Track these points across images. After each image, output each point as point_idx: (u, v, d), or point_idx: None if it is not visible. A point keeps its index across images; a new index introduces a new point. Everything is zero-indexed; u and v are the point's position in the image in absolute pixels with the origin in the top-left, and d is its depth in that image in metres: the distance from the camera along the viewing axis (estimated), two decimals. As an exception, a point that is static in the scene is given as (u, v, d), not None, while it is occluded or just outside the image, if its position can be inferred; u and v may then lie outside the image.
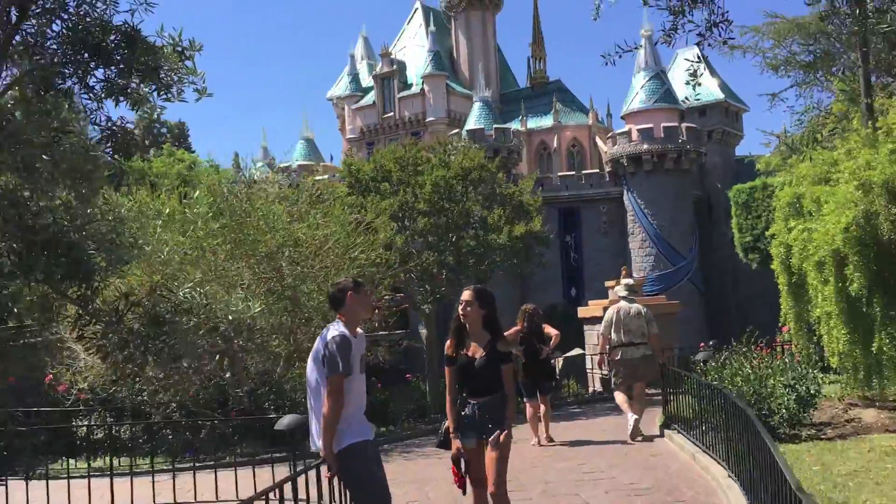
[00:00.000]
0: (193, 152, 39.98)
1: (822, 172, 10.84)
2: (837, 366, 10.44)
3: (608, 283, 18.71)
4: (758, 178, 20.45)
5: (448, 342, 5.14)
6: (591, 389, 17.92)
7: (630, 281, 11.54)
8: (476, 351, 5.02)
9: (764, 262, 19.28)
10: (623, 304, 10.09)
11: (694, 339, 39.38)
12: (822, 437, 8.94)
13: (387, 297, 15.89)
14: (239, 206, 13.22)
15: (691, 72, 6.23)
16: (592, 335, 18.50)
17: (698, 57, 6.44)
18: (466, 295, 5.03)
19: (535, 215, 16.99)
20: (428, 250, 15.99)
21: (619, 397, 10.25)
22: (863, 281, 9.50)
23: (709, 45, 6.17)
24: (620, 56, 6.53)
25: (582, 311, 18.80)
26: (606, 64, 6.38)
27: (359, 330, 4.78)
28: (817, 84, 23.00)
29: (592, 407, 15.71)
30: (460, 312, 5.00)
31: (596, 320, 18.07)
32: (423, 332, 17.16)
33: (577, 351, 19.63)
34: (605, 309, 17.72)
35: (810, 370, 10.04)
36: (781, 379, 9.78)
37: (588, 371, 18.65)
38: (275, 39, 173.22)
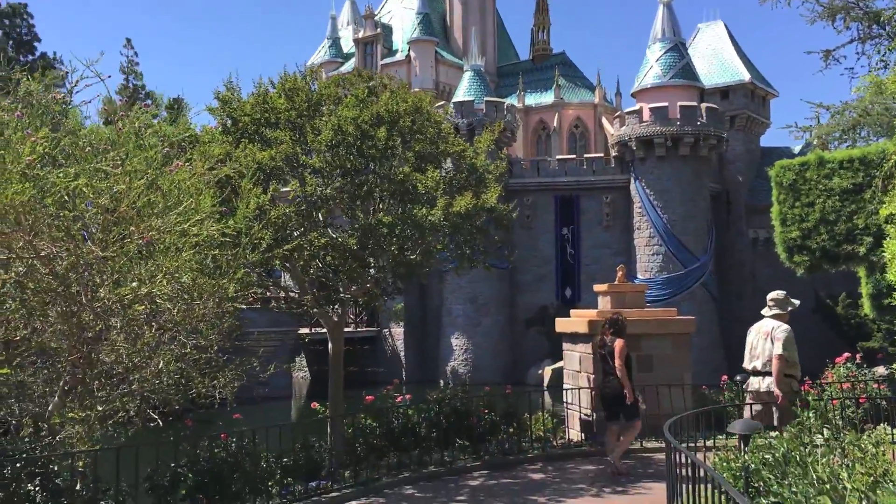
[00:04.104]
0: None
1: None
2: None
3: (598, 288, 13.24)
4: (811, 152, 14.96)
5: None
6: (567, 436, 12.35)
7: (778, 294, 8.53)
8: None
9: (816, 266, 13.85)
10: (763, 321, 8.42)
11: (708, 358, 34.15)
12: None
13: (252, 293, 10.58)
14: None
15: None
16: (573, 357, 13.00)
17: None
18: None
19: (493, 185, 11.61)
20: (326, 228, 10.70)
21: None
22: None
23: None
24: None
25: (561, 324, 13.32)
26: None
27: None
28: (887, 37, 17.67)
29: (563, 470, 10.29)
30: None
31: (578, 337, 12.61)
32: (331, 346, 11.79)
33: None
34: (591, 323, 12.37)
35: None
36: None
37: (566, 406, 13.07)
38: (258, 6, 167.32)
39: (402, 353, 39.52)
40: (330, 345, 11.88)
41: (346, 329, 37.88)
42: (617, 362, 9.25)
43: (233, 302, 9.50)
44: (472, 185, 11.59)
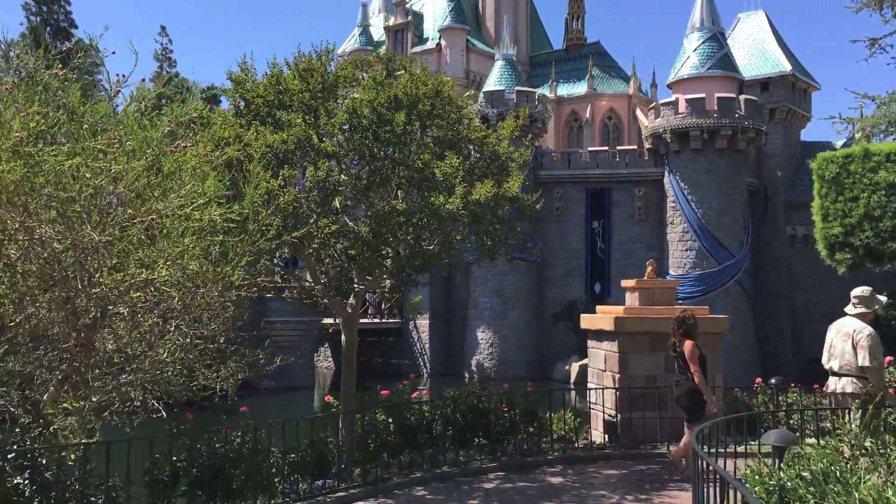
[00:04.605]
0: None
1: None
2: None
3: (625, 284, 12.65)
4: (855, 144, 14.16)
5: None
6: (589, 437, 11.78)
7: (863, 291, 7.91)
8: None
9: (858, 264, 13.08)
10: (844, 319, 7.90)
11: (742, 358, 33.12)
12: None
13: (265, 282, 10.13)
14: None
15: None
16: (598, 355, 12.44)
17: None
18: None
19: (515, 174, 11.05)
20: (339, 215, 10.24)
21: None
22: None
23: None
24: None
25: (586, 321, 12.75)
26: None
27: None
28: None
29: (583, 474, 9.75)
30: None
31: (603, 335, 12.06)
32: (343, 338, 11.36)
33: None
34: (617, 320, 11.86)
35: None
36: None
37: (589, 406, 12.51)
38: None
39: (427, 346, 39.11)
40: (343, 337, 11.44)
41: (371, 321, 37.73)
42: (692, 368, 8.53)
43: (238, 290, 9.05)
44: (493, 174, 11.05)
